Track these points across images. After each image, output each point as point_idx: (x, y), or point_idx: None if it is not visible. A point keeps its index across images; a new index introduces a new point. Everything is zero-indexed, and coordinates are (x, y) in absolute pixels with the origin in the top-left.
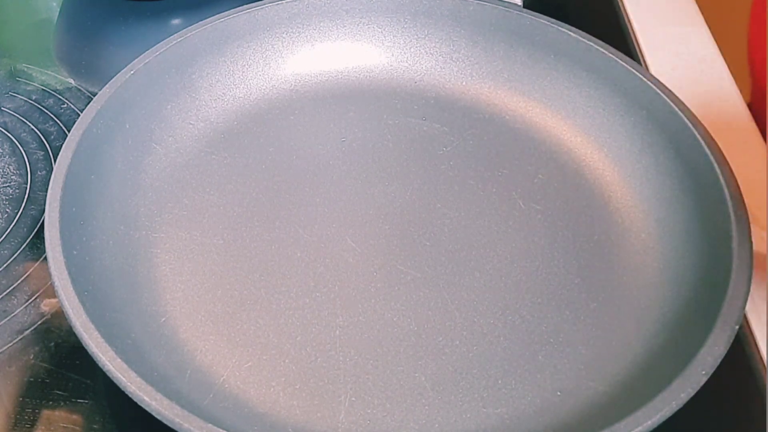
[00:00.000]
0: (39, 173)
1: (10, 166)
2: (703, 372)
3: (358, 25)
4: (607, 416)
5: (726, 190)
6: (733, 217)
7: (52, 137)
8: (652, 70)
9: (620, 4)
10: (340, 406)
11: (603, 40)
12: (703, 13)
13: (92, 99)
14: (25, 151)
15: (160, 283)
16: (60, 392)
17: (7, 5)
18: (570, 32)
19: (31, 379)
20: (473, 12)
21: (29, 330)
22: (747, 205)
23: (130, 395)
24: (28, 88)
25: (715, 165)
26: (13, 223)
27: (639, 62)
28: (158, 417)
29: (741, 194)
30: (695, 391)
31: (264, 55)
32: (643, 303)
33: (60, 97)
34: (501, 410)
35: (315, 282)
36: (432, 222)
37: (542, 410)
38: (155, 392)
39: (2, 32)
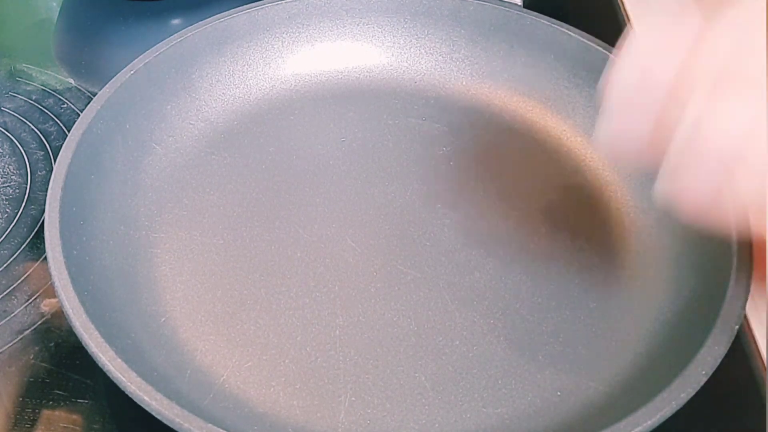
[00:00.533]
0: (39, 173)
1: (10, 166)
2: (703, 372)
3: (358, 25)
4: (607, 416)
5: None
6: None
7: (52, 137)
8: None
9: (620, 4)
10: (340, 406)
11: (603, 40)
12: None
13: (92, 99)
14: (25, 151)
15: (160, 283)
16: (60, 392)
17: (7, 5)
18: (570, 32)
19: (31, 379)
20: (473, 12)
21: (29, 330)
22: None
23: (130, 395)
24: (28, 88)
25: None
26: (13, 223)
27: None
28: (158, 417)
29: None
30: (695, 391)
31: (264, 55)
32: (643, 303)
33: (60, 97)
34: (501, 410)
35: (315, 282)
36: (432, 222)
37: (542, 410)
38: (155, 392)
39: (2, 32)
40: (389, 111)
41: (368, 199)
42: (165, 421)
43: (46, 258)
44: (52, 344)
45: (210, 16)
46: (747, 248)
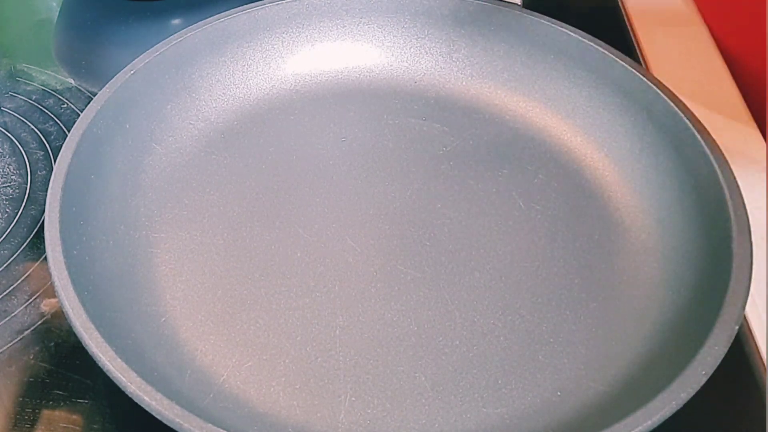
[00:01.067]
0: (39, 173)
1: (10, 166)
2: (703, 372)
3: (358, 25)
4: (607, 416)
5: (726, 190)
6: (733, 217)
7: (52, 137)
8: (652, 70)
9: (620, 4)
10: (340, 406)
11: (603, 40)
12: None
13: (92, 99)
14: (25, 151)
15: (160, 283)
16: (60, 392)
17: (7, 5)
18: (570, 32)
19: (31, 379)
20: (473, 12)
21: (29, 330)
22: (747, 205)
23: (130, 395)
24: (28, 88)
25: (715, 165)
26: (13, 223)
27: (639, 62)
28: (158, 417)
29: (741, 194)
30: (695, 391)
31: (264, 55)
32: (643, 303)
33: (60, 97)
34: (501, 410)
35: (315, 282)
36: (432, 222)
37: (542, 410)
38: (155, 392)
39: (2, 32)
40: (389, 111)
41: (368, 199)
42: (165, 421)
43: (46, 258)
44: (52, 344)
45: (210, 16)
46: (747, 248)
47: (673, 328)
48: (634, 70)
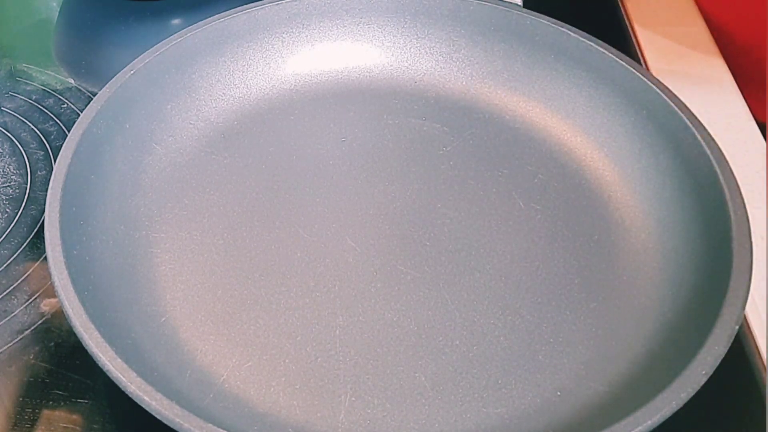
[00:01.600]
0: (39, 173)
1: (10, 166)
2: (703, 372)
3: (358, 25)
4: (607, 416)
5: (726, 190)
6: (733, 217)
7: (52, 137)
8: (652, 70)
9: (620, 4)
10: (340, 406)
11: (603, 40)
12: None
13: (92, 99)
14: (25, 151)
15: (160, 283)
16: (60, 392)
17: (7, 5)
18: (570, 32)
19: (31, 379)
20: (473, 12)
21: (29, 330)
22: (747, 205)
23: (130, 395)
24: (28, 88)
25: (715, 165)
26: (13, 223)
27: (639, 62)
28: (158, 417)
29: (741, 194)
30: (695, 391)
31: (264, 55)
32: (643, 303)
33: (60, 97)
34: (501, 410)
35: (315, 282)
36: (432, 222)
37: (542, 410)
38: (155, 392)
39: (2, 32)
40: (389, 111)
41: (368, 199)
42: (165, 421)
43: (46, 258)
44: (52, 344)
45: (210, 16)
46: (747, 248)
47: (673, 328)
48: (634, 70)
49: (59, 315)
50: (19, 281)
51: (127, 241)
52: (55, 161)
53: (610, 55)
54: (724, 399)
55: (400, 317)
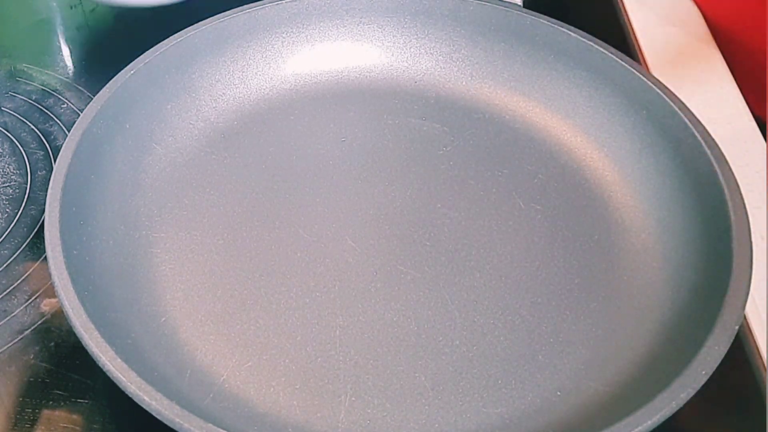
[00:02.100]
0: (39, 173)
1: (10, 166)
2: (704, 372)
3: (358, 25)
4: (607, 416)
5: (726, 190)
6: (733, 217)
7: (52, 137)
8: (652, 70)
9: (620, 4)
10: (340, 406)
11: (603, 40)
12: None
13: (92, 99)
14: (25, 151)
15: (160, 283)
16: (60, 392)
17: (7, 5)
18: (570, 32)
19: (31, 379)
20: (473, 12)
21: (29, 330)
22: (747, 205)
23: (130, 395)
24: (28, 88)
25: (715, 165)
26: (13, 223)
27: (639, 62)
28: (158, 417)
29: (741, 194)
30: (695, 391)
31: (264, 55)
32: (643, 303)
33: (60, 97)
34: (501, 410)
35: (315, 282)
36: (432, 222)
37: (542, 410)
38: (155, 392)
39: (2, 32)
40: (389, 111)
41: (368, 199)
42: (165, 421)
43: (46, 258)
44: (52, 344)
45: (210, 16)
46: (747, 248)
47: (673, 328)
48: (634, 70)
49: (59, 315)
50: (19, 281)
51: (127, 241)
52: (55, 161)
53: (610, 55)
54: (724, 399)
55: (400, 317)
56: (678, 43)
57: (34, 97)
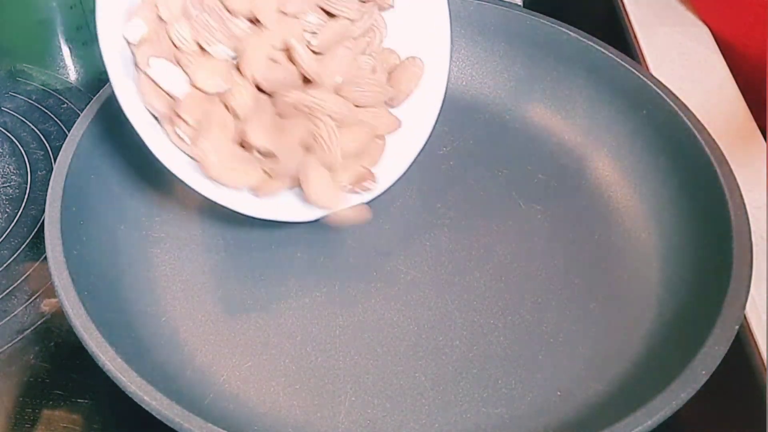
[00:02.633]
0: (39, 173)
1: (10, 166)
2: (704, 371)
3: None
4: (607, 416)
5: (726, 190)
6: (733, 217)
7: (52, 137)
8: (652, 70)
9: (620, 4)
10: (340, 406)
11: (603, 40)
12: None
13: (92, 99)
14: (25, 151)
15: (160, 283)
16: (60, 392)
17: (7, 5)
18: (570, 32)
19: (31, 379)
20: (473, 12)
21: (29, 330)
22: (747, 205)
23: (130, 395)
24: (28, 88)
25: (715, 165)
26: (13, 223)
27: (639, 62)
28: (158, 417)
29: (741, 194)
30: (695, 391)
31: None
32: (643, 303)
33: (60, 97)
34: (501, 410)
35: (315, 282)
36: (432, 222)
37: (542, 410)
38: (155, 392)
39: (2, 32)
40: None
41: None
42: (165, 421)
43: (46, 258)
44: (52, 344)
45: None
46: (747, 248)
47: (673, 328)
48: (634, 70)
49: (59, 315)
50: (19, 281)
51: (127, 241)
52: (55, 161)
53: (610, 55)
54: (724, 399)
55: (400, 317)
56: (678, 43)
57: (34, 97)
